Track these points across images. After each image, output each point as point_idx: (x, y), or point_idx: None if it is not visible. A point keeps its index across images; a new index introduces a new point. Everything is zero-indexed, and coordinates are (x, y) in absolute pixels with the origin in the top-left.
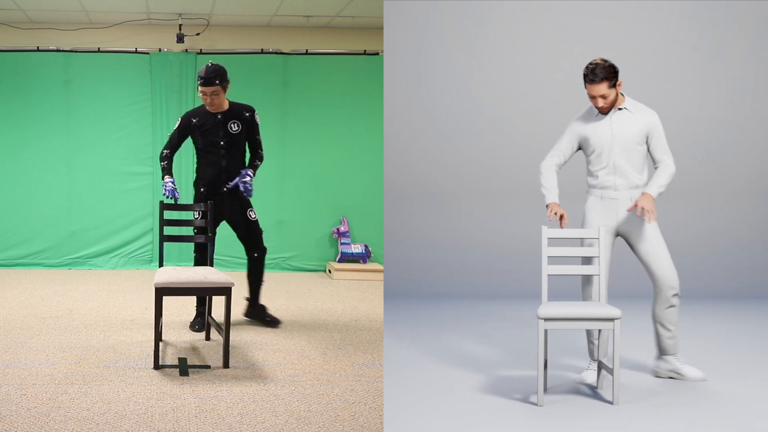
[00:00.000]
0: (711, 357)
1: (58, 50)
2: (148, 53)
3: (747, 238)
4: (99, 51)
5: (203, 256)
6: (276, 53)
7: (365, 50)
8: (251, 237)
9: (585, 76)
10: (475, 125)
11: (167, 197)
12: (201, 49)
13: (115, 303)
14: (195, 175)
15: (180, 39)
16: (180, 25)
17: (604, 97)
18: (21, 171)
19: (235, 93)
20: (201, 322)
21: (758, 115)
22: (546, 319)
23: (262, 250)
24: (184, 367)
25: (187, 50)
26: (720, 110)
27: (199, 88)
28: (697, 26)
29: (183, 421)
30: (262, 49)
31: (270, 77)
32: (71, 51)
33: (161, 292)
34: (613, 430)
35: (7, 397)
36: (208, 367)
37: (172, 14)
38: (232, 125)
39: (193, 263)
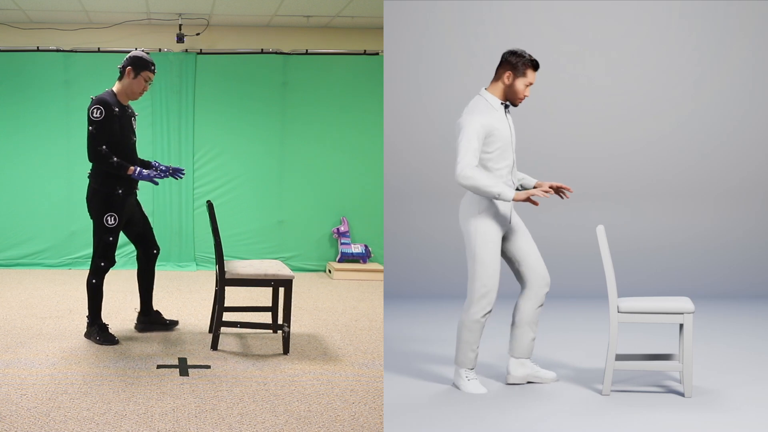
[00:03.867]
0: (711, 357)
1: (58, 50)
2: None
3: (747, 238)
4: (99, 51)
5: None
6: (276, 53)
7: (365, 50)
8: (149, 232)
9: (531, 62)
10: None
11: (161, 176)
12: (201, 49)
13: (115, 303)
14: (102, 175)
15: (180, 39)
16: (180, 25)
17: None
18: (21, 171)
19: (235, 93)
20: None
21: (758, 115)
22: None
23: (158, 247)
24: (184, 367)
25: (187, 50)
26: (720, 110)
27: (149, 75)
28: (697, 26)
29: (183, 421)
30: (262, 49)
31: (270, 77)
32: (71, 51)
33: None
34: (614, 430)
35: (7, 397)
36: (208, 367)
37: (172, 14)
38: (133, 120)
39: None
